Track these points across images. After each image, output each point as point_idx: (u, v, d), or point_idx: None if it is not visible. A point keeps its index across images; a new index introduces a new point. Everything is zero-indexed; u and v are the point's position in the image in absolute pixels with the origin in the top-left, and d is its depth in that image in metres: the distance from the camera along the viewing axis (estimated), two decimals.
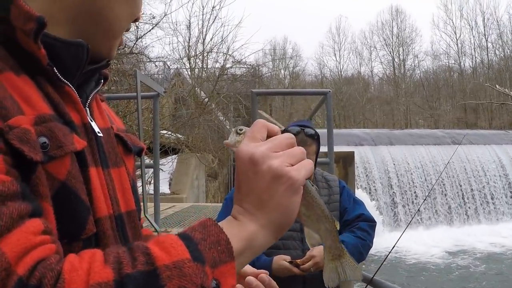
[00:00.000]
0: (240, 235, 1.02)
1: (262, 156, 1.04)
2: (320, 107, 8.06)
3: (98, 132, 1.22)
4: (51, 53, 1.10)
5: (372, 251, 3.68)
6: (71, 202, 1.04)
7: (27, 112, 1.00)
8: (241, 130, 1.13)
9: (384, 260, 3.93)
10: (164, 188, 17.27)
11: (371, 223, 3.60)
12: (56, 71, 1.11)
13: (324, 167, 5.89)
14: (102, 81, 1.36)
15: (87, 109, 1.23)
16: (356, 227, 3.51)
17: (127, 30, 1.33)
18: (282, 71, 63.52)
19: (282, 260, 3.34)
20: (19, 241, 0.85)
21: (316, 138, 3.53)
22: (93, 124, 1.22)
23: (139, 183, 7.86)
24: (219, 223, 1.02)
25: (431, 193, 25.97)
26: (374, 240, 3.72)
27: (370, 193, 25.13)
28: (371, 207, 22.96)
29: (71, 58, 1.16)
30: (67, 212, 1.02)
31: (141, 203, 6.33)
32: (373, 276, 3.89)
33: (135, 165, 1.45)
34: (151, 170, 8.38)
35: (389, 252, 3.91)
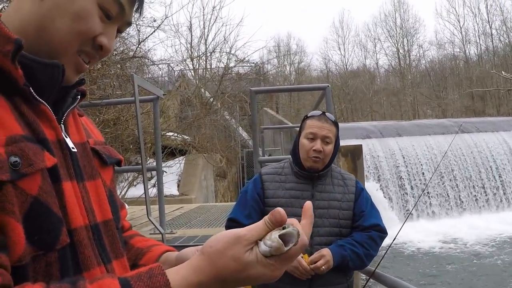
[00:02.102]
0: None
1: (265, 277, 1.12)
2: (321, 102, 8.06)
3: (73, 148, 1.28)
4: (28, 73, 1.16)
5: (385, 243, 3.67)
6: (44, 215, 1.11)
7: None
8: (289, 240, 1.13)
9: (385, 253, 3.91)
10: (173, 189, 17.28)
11: (383, 234, 3.59)
12: (32, 90, 1.17)
13: None
14: (79, 97, 1.40)
15: (62, 126, 1.29)
16: (368, 235, 3.49)
17: (89, 56, 1.30)
18: (288, 68, 63.52)
19: None
20: None
21: (335, 123, 3.57)
22: (68, 140, 1.28)
23: (142, 187, 7.89)
24: (172, 270, 1.10)
25: (439, 183, 25.91)
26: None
27: (380, 185, 25.07)
28: (380, 198, 22.94)
29: (46, 78, 1.22)
30: (41, 224, 1.09)
31: (145, 206, 6.31)
32: (375, 268, 3.88)
33: (114, 176, 1.51)
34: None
35: (389, 246, 3.90)
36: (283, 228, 1.11)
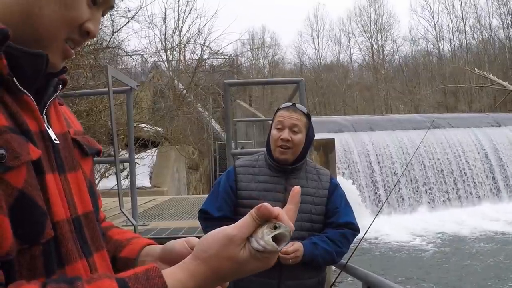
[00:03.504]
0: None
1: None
2: (295, 96, 8.08)
3: (55, 139, 1.26)
4: (11, 62, 1.14)
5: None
6: (29, 208, 1.09)
7: None
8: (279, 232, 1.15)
9: (357, 246, 3.95)
10: (145, 181, 17.25)
11: (356, 232, 3.60)
12: (16, 80, 1.15)
13: None
14: (61, 86, 1.37)
15: (44, 116, 1.27)
16: (341, 233, 3.51)
17: (75, 42, 1.29)
18: (261, 60, 63.60)
19: None
20: None
21: (306, 113, 3.58)
22: (50, 131, 1.26)
23: (115, 178, 7.86)
24: (166, 272, 1.10)
25: (411, 177, 26.12)
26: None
27: (352, 178, 25.19)
28: (352, 192, 23.03)
29: (31, 68, 1.19)
30: (26, 218, 1.08)
31: (118, 198, 6.29)
32: (347, 262, 3.92)
33: (93, 166, 1.50)
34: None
35: (361, 239, 3.95)
36: (274, 227, 1.13)
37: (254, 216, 1.13)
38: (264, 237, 1.11)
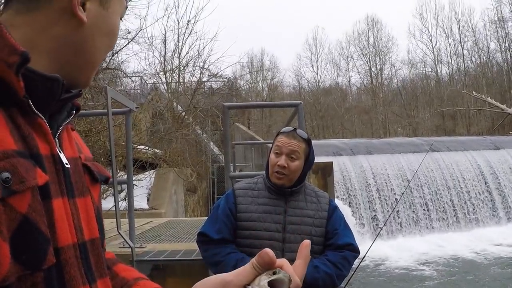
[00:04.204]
0: None
1: None
2: (294, 119, 8.09)
3: (66, 164, 1.24)
4: (27, 84, 1.12)
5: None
6: (32, 234, 1.06)
7: None
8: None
9: (355, 271, 3.93)
10: (143, 203, 17.20)
11: (356, 254, 3.60)
12: (31, 103, 1.14)
13: None
14: (74, 111, 1.37)
15: (57, 140, 1.25)
16: (341, 255, 3.51)
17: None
18: (260, 83, 63.87)
19: None
20: None
21: (307, 140, 3.59)
22: (62, 155, 1.24)
23: (112, 199, 7.85)
24: None
25: (410, 201, 26.10)
26: None
27: (349, 202, 25.19)
28: (350, 216, 23.03)
29: (46, 92, 1.19)
30: (29, 244, 1.05)
31: (115, 219, 6.29)
32: (345, 286, 3.90)
33: (100, 192, 1.48)
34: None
35: (360, 263, 3.93)
36: (273, 273, 1.09)
37: (255, 264, 1.11)
38: (260, 283, 1.08)
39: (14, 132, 1.10)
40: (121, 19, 1.35)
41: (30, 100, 1.13)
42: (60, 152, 1.24)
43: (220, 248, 3.46)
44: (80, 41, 1.24)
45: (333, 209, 3.67)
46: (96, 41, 1.27)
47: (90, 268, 1.25)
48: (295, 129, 3.61)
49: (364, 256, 4.06)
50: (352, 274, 3.74)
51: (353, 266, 3.72)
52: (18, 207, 1.04)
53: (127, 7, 1.40)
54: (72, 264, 1.17)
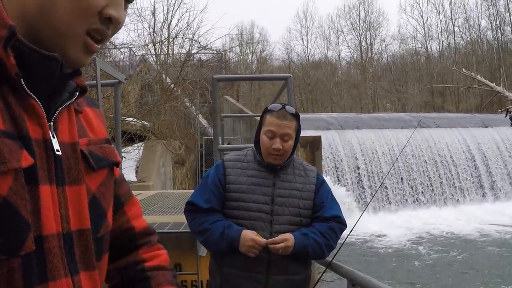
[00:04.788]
0: None
1: None
2: (283, 92, 8.08)
3: (57, 150, 1.19)
4: (22, 62, 1.10)
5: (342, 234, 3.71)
6: (10, 217, 1.04)
7: None
8: None
9: (342, 243, 3.96)
10: (131, 176, 17.20)
11: (343, 226, 3.64)
12: (24, 82, 1.10)
13: None
14: (78, 93, 1.30)
15: (52, 124, 1.21)
16: (328, 226, 3.54)
17: (100, 32, 1.22)
18: (250, 56, 63.60)
19: (250, 233, 3.37)
20: None
21: (296, 116, 3.59)
22: (54, 140, 1.20)
23: None
24: None
25: (397, 176, 26.24)
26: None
27: (337, 176, 25.30)
28: (338, 190, 23.13)
29: (43, 71, 1.15)
30: (6, 227, 1.03)
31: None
32: (332, 259, 3.92)
33: (108, 178, 1.41)
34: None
35: (347, 236, 3.95)
36: None
37: None
38: None
39: (3, 112, 1.07)
40: None
41: (22, 80, 1.10)
42: (54, 137, 1.20)
43: (208, 217, 3.48)
44: (39, 1, 1.13)
45: (321, 182, 3.70)
46: (57, 1, 1.14)
47: (74, 259, 1.21)
48: (284, 106, 3.61)
49: (352, 229, 4.10)
50: (340, 248, 3.77)
51: (341, 240, 3.75)
52: None
53: None
54: (55, 254, 1.14)
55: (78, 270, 1.21)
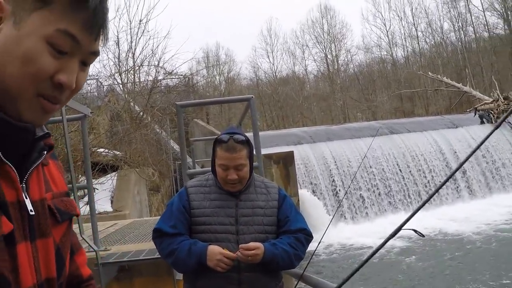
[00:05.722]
0: None
1: None
2: (247, 113, 8.17)
3: (31, 211, 1.25)
4: None
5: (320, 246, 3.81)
6: None
7: None
8: None
9: (313, 254, 4.05)
10: (107, 206, 17.07)
11: (309, 237, 3.71)
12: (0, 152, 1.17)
13: (254, 170, 6.01)
14: (46, 152, 1.34)
15: (24, 185, 1.25)
16: (295, 237, 3.60)
17: (51, 97, 1.23)
18: (217, 77, 63.76)
19: (217, 247, 3.42)
20: None
21: (245, 142, 3.62)
22: (27, 201, 1.25)
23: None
24: None
25: (372, 185, 26.36)
26: (321, 235, 3.94)
27: (313, 190, 25.33)
28: (314, 202, 23.16)
29: (17, 141, 1.22)
30: None
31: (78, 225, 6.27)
32: (303, 271, 4.00)
33: (68, 229, 1.49)
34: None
35: (317, 246, 4.03)
36: None
37: None
38: None
39: None
40: (54, 45, 1.20)
41: None
42: (26, 198, 1.25)
43: (173, 239, 3.55)
44: None
45: (283, 197, 3.76)
46: (7, 67, 1.16)
47: None
48: (232, 136, 3.61)
49: (321, 238, 4.19)
50: (310, 258, 3.85)
51: (311, 249, 3.84)
52: None
53: (65, 30, 1.20)
54: None
55: None
